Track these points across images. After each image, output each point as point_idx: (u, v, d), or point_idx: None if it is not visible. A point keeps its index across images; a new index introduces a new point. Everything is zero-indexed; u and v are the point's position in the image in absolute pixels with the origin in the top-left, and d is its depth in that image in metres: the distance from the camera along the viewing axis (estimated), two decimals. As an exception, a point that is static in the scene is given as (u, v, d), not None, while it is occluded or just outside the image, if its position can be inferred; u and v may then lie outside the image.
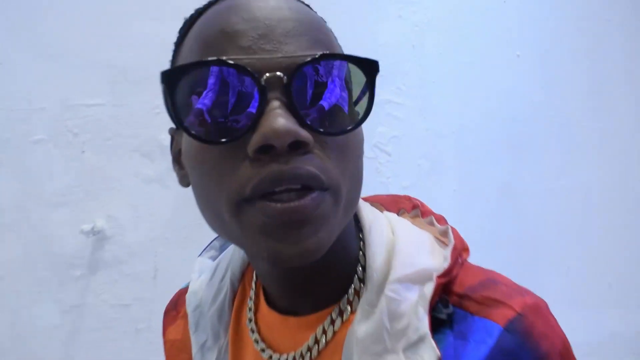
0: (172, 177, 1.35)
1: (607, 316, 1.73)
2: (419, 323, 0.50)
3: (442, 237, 0.57)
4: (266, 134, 0.41)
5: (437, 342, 0.50)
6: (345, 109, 0.47)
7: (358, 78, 0.47)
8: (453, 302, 0.53)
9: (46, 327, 1.52)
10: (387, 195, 0.67)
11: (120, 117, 1.53)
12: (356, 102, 0.48)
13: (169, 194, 1.52)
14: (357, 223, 0.59)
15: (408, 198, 0.65)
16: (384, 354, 0.51)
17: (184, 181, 0.57)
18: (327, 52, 0.45)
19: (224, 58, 0.43)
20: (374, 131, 1.57)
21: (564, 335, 0.54)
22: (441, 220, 0.60)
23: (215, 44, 0.46)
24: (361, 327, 0.52)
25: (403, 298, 0.51)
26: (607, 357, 1.71)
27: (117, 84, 1.52)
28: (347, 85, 0.47)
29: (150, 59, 1.45)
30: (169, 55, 1.16)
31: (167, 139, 1.42)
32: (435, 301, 0.51)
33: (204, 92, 0.46)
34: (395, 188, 1.67)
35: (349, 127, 0.46)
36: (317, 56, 0.43)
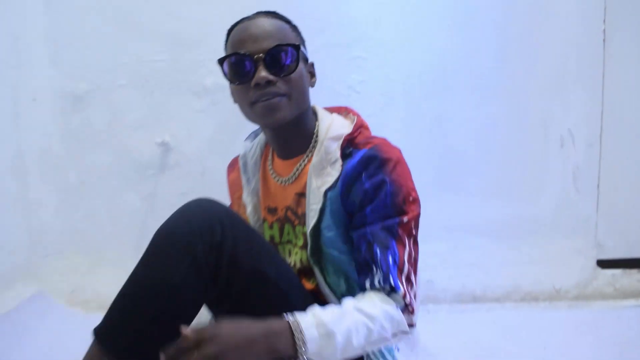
0: (213, 108, 1.95)
1: (510, 205, 1.97)
2: (336, 153, 1.01)
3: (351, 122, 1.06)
4: (256, 79, 0.95)
5: (344, 162, 1.00)
6: (293, 65, 0.98)
7: (293, 52, 0.98)
8: (352, 147, 1.02)
9: (130, 210, 1.97)
10: (335, 107, 1.17)
11: (177, 69, 1.89)
12: (298, 63, 0.99)
13: (211, 120, 1.91)
14: (315, 117, 1.09)
15: (345, 108, 1.15)
16: (323, 169, 1.02)
17: (234, 101, 1.08)
18: (279, 44, 0.96)
19: (238, 51, 0.97)
20: (348, 77, 1.88)
21: (403, 159, 0.98)
22: (354, 114, 1.09)
23: (235, 46, 0.99)
24: (314, 159, 1.03)
25: (331, 145, 1.02)
26: (509, 233, 1.97)
27: (175, 46, 1.89)
28: (295, 54, 0.98)
29: (197, 28, 1.87)
30: (208, 26, 1.83)
31: (210, 82, 1.94)
32: (344, 146, 1.01)
33: (233, 65, 1.00)
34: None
35: (291, 72, 0.98)
36: (273, 46, 0.96)
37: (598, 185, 2.04)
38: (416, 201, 0.99)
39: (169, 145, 1.93)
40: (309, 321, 0.84)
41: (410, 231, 0.97)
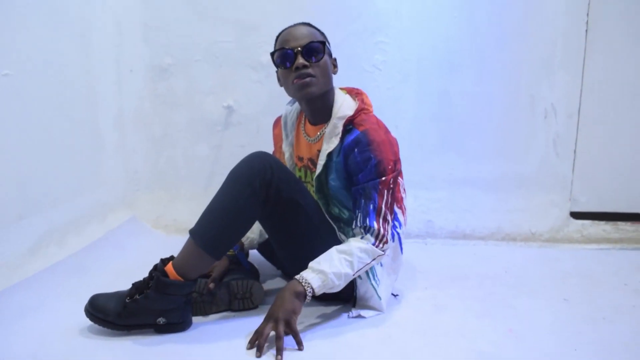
0: (267, 80, 2.43)
1: (500, 163, 2.20)
2: (339, 129, 1.34)
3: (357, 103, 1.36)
4: (296, 64, 1.29)
5: (344, 135, 1.33)
6: (320, 56, 1.31)
7: (321, 48, 1.31)
8: (353, 125, 1.33)
9: (202, 157, 2.22)
10: (350, 87, 1.45)
11: (240, 48, 2.13)
12: (324, 54, 1.32)
13: (265, 89, 2.16)
14: (334, 97, 1.37)
15: (356, 89, 1.43)
16: (331, 137, 1.35)
17: (280, 85, 1.40)
18: (311, 41, 1.29)
19: (284, 47, 1.31)
20: (372, 57, 2.10)
21: (385, 138, 1.29)
22: (359, 99, 1.35)
23: (282, 43, 1.33)
24: (327, 129, 1.36)
25: (338, 122, 1.34)
26: (499, 186, 2.21)
27: (239, 30, 2.13)
28: (322, 48, 1.32)
29: (257, 16, 2.11)
30: (266, 15, 2.22)
31: (265, 58, 2.26)
32: (346, 124, 1.33)
33: (280, 56, 1.34)
34: (382, 89, 2.16)
35: (318, 60, 1.30)
36: (307, 42, 1.29)
37: (575, 151, 2.25)
38: (394, 168, 1.28)
39: (232, 108, 2.17)
40: (309, 273, 1.23)
41: (389, 185, 1.29)
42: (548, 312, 1.48)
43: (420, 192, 2.23)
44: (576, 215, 2.30)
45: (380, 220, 1.29)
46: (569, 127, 2.20)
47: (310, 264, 1.25)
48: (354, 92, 1.43)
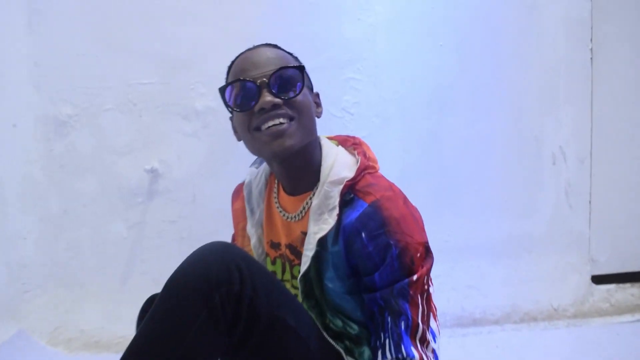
0: (204, 132, 1.95)
1: (504, 223, 1.99)
2: (335, 201, 0.93)
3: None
4: (261, 103, 0.89)
5: (343, 210, 0.93)
6: (298, 88, 0.94)
7: (298, 75, 0.94)
8: (355, 193, 0.94)
9: (117, 239, 1.89)
10: (343, 135, 1.10)
11: (166, 92, 1.85)
12: (304, 85, 0.94)
13: (202, 144, 1.86)
14: (321, 151, 1.01)
15: (353, 138, 1.07)
16: (321, 214, 0.94)
17: (238, 138, 1.03)
18: (285, 66, 0.92)
19: (240, 77, 0.92)
20: (341, 99, 1.88)
21: (406, 211, 0.92)
22: (360, 153, 1.00)
23: (238, 75, 0.94)
24: (314, 202, 0.95)
25: (331, 190, 0.94)
26: (504, 251, 1.99)
27: (163, 68, 1.84)
28: (299, 75, 0.94)
29: (188, 49, 1.82)
30: (200, 48, 1.77)
31: (201, 106, 1.92)
32: (344, 192, 0.93)
33: (235, 92, 0.95)
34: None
35: (296, 94, 0.93)
36: (277, 69, 0.91)
37: (590, 201, 2.06)
38: (424, 256, 0.94)
39: (158, 171, 1.88)
40: None
41: (422, 287, 0.93)
42: None
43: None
44: (598, 279, 2.11)
45: (418, 344, 0.91)
46: (581, 173, 2.04)
47: None
48: (349, 143, 1.06)
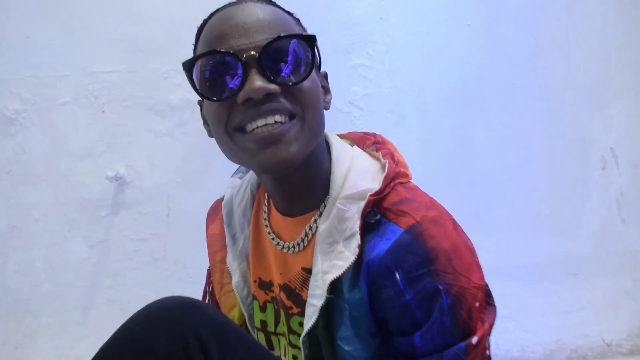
0: (181, 131, 1.71)
1: (543, 241, 1.92)
2: (354, 225, 0.70)
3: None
4: (247, 91, 0.64)
5: (366, 239, 0.71)
6: (302, 69, 0.68)
7: (305, 49, 0.68)
8: (381, 212, 0.72)
9: (76, 260, 1.75)
10: (358, 133, 0.87)
11: (134, 82, 1.73)
12: (313, 64, 0.69)
13: (178, 145, 1.73)
14: (330, 154, 0.78)
15: (373, 135, 0.85)
16: (333, 244, 0.72)
17: (210, 134, 0.78)
18: (281, 35, 0.66)
19: (218, 48, 0.66)
20: (348, 90, 1.76)
21: (459, 240, 0.72)
22: (386, 155, 0.78)
23: (214, 44, 0.67)
24: (322, 225, 0.73)
25: (348, 209, 0.72)
26: (545, 275, 1.91)
27: (130, 53, 1.71)
28: (307, 51, 0.68)
29: (160, 31, 1.68)
30: (174, 29, 1.50)
31: (176, 99, 1.72)
32: (367, 211, 0.71)
33: (209, 70, 0.68)
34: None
35: (301, 79, 0.67)
36: (274, 37, 0.65)
37: None
38: (484, 306, 0.75)
39: (124, 179, 1.76)
40: None
41: (483, 353, 0.73)
42: None
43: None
44: (654, 306, 1.99)
45: None
46: (636, 180, 1.94)
47: None
48: (369, 142, 0.84)
